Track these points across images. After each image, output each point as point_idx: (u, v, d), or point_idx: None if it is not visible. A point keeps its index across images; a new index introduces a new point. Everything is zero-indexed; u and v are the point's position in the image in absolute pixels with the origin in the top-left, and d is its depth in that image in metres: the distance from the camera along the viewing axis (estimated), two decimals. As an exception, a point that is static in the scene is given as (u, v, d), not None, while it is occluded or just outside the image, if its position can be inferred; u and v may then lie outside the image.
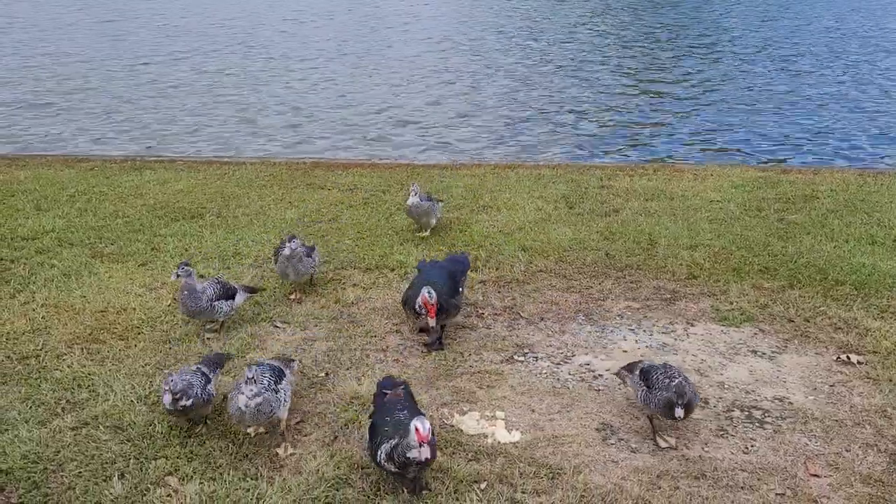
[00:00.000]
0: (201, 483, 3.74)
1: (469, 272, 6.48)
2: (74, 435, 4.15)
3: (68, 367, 4.89)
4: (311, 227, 7.75)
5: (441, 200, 7.81)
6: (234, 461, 3.91)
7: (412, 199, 7.04)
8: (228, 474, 3.82)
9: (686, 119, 14.11)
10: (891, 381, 4.65)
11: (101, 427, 4.20)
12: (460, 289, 5.28)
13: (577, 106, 15.22)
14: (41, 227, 7.83)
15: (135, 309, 5.76)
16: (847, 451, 4.01)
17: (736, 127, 13.45)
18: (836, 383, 4.71)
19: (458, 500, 3.63)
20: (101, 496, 3.67)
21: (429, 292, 4.80)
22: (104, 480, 3.78)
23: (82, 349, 5.15)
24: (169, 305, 5.85)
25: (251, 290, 5.67)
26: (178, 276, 5.16)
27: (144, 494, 3.67)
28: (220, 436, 4.16)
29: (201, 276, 5.80)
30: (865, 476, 3.81)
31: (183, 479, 3.76)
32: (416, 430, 3.38)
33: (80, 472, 3.85)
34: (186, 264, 5.22)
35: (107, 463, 3.91)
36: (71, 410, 4.40)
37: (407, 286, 5.39)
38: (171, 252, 7.01)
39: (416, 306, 4.87)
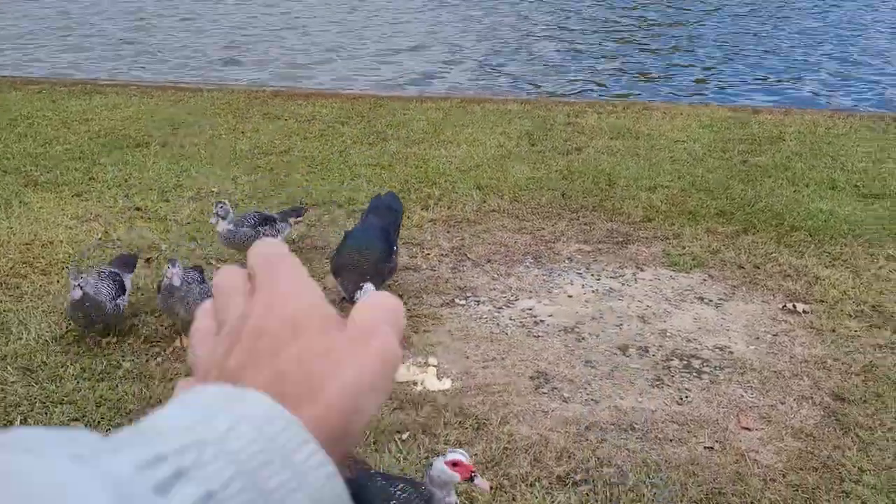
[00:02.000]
0: (107, 431, 3.56)
1: (421, 210, 6.27)
2: (-19, 375, 3.95)
3: (-16, 302, 4.66)
4: (261, 160, 7.44)
5: (302, 209, 5.73)
6: (145, 407, 3.73)
7: (223, 226, 4.85)
8: (139, 420, 3.65)
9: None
10: (834, 331, 4.55)
11: (8, 368, 4.00)
12: (395, 247, 4.82)
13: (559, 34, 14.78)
14: (-25, 152, 7.46)
15: (62, 242, 5.50)
16: (782, 403, 3.92)
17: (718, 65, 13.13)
18: (779, 333, 4.60)
19: (377, 450, 3.49)
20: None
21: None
22: (5, 424, 3.59)
23: (1, 284, 4.90)
24: (99, 239, 5.59)
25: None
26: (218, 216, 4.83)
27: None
28: (135, 379, 3.97)
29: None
30: (797, 430, 3.72)
31: (90, 426, 3.59)
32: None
33: (-17, 414, 3.67)
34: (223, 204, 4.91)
35: (10, 406, 3.72)
36: (-19, 349, 4.18)
37: (335, 249, 4.82)
38: (109, 182, 6.70)
39: (356, 301, 4.42)
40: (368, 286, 4.37)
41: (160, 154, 7.52)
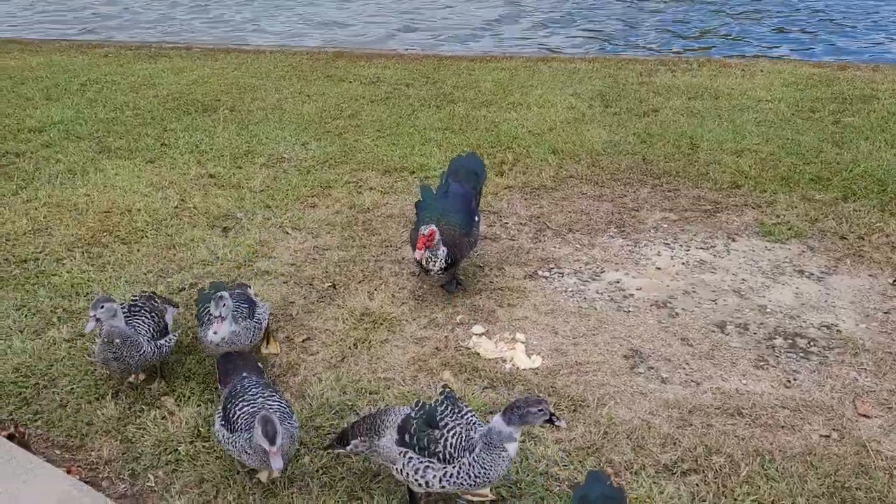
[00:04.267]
0: (198, 405, 3.51)
1: (496, 177, 6.04)
2: (69, 348, 3.94)
3: (67, 272, 4.65)
4: (329, 124, 7.30)
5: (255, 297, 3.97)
6: (233, 382, 3.66)
7: (225, 329, 3.47)
8: (228, 396, 3.59)
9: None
10: (953, 310, 4.22)
11: (95, 339, 3.97)
12: (476, 217, 4.46)
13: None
14: (49, 118, 7.50)
15: (140, 210, 5.47)
16: (901, 388, 3.65)
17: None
18: (890, 310, 4.29)
19: (470, 432, 3.35)
20: (93, 416, 3.47)
21: (428, 231, 4.03)
22: (97, 399, 3.57)
23: (83, 252, 4.89)
24: (176, 207, 5.55)
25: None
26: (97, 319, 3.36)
27: (139, 416, 3.47)
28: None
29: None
30: (920, 418, 3.45)
31: (179, 401, 3.54)
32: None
33: (72, 389, 3.65)
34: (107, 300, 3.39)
35: (100, 380, 3.69)
36: (67, 320, 4.17)
37: (413, 226, 4.47)
38: (181, 148, 6.65)
39: (420, 261, 4.12)
40: (442, 252, 4.15)
41: (229, 119, 7.44)
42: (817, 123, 7.16)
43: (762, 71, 9.20)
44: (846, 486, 3.06)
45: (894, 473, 3.13)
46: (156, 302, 3.69)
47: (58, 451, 3.32)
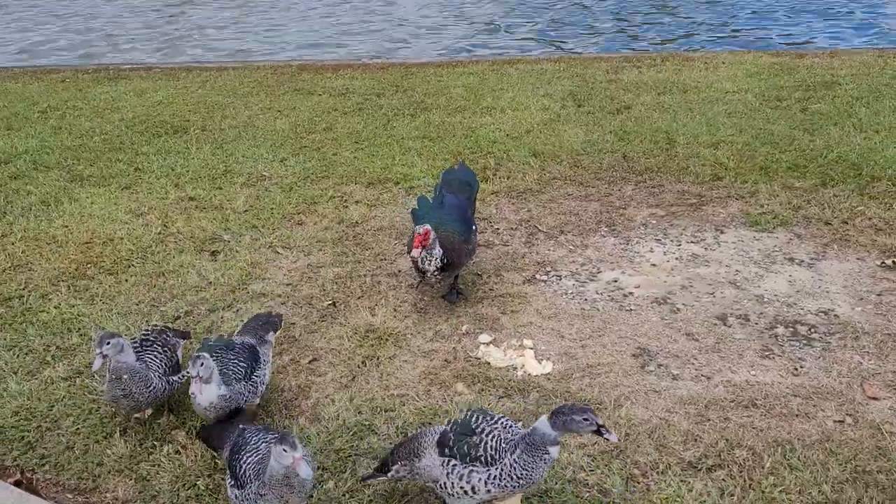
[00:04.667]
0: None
1: (481, 183, 6.02)
2: (68, 386, 3.82)
3: (55, 307, 4.51)
4: (305, 139, 7.22)
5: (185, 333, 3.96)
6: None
7: (212, 392, 3.20)
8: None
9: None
10: (944, 288, 4.33)
11: (95, 377, 3.86)
12: (473, 226, 4.45)
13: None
14: (13, 148, 7.28)
15: (122, 239, 5.34)
16: (905, 369, 3.73)
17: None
18: (883, 292, 4.39)
19: (492, 443, 3.33)
20: (103, 455, 3.37)
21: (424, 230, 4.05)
22: (104, 438, 3.47)
23: (69, 287, 4.76)
24: (159, 233, 5.43)
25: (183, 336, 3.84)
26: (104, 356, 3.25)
27: (151, 452, 3.37)
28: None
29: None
30: (927, 396, 3.53)
31: (191, 434, 3.45)
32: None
33: (77, 430, 3.53)
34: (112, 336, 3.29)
35: (105, 418, 3.59)
36: (62, 358, 4.05)
37: (410, 235, 4.40)
38: (157, 172, 6.51)
39: (417, 261, 4.11)
40: (437, 252, 4.12)
41: (202, 139, 7.32)
42: (786, 112, 7.31)
43: (724, 63, 9.37)
44: (867, 470, 3.11)
45: (912, 454, 3.19)
46: (168, 336, 3.60)
47: (69, 496, 3.21)
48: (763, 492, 3.03)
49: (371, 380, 3.81)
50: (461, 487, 2.74)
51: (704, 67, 9.21)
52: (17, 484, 3.26)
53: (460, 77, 9.30)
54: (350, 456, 3.31)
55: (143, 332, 3.62)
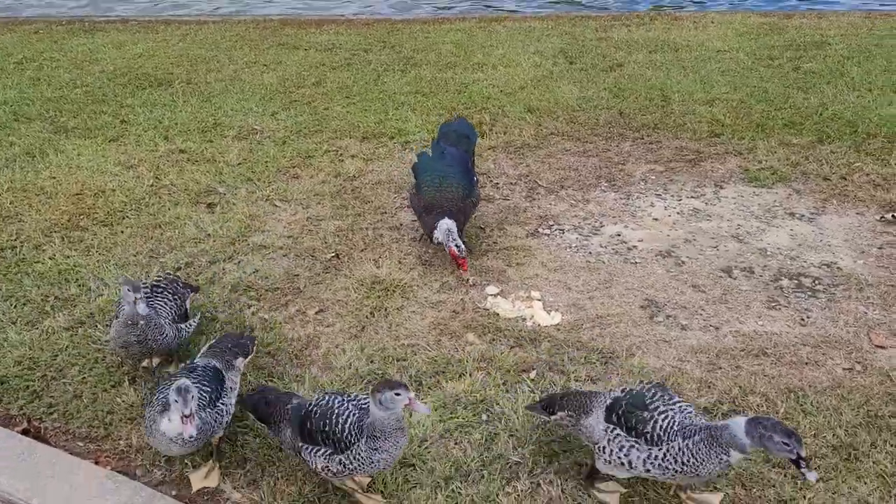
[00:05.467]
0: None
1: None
2: (71, 336, 3.73)
3: (50, 258, 4.39)
4: (294, 93, 7.07)
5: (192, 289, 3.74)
6: (255, 359, 3.54)
7: (175, 426, 2.74)
8: (251, 374, 3.47)
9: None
10: (943, 241, 4.39)
11: (98, 326, 3.78)
12: (475, 178, 4.46)
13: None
14: (-9, 100, 7.04)
15: (114, 190, 5.20)
16: (909, 318, 3.79)
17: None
18: (884, 245, 4.44)
19: (507, 391, 3.34)
20: (113, 404, 3.31)
21: (457, 246, 4.04)
22: (113, 387, 3.40)
23: (62, 238, 4.63)
24: (151, 185, 5.30)
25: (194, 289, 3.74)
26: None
27: (161, 401, 3.31)
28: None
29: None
30: (931, 345, 3.59)
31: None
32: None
33: (84, 379, 3.46)
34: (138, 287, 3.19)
35: (112, 367, 3.51)
36: (62, 308, 3.95)
37: (412, 185, 4.47)
38: (144, 125, 6.34)
39: (435, 241, 4.15)
40: (443, 222, 4.12)
41: (188, 92, 7.13)
42: (779, 70, 7.31)
43: (713, 22, 9.34)
44: (879, 415, 3.17)
45: (921, 399, 3.25)
46: (178, 285, 3.52)
47: (80, 444, 3.15)
48: (778, 436, 3.07)
49: (380, 330, 3.77)
50: (618, 457, 2.64)
51: (694, 27, 9.17)
52: (25, 432, 3.20)
53: (448, 33, 9.16)
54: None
55: (155, 278, 3.54)
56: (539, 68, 7.64)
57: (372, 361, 3.55)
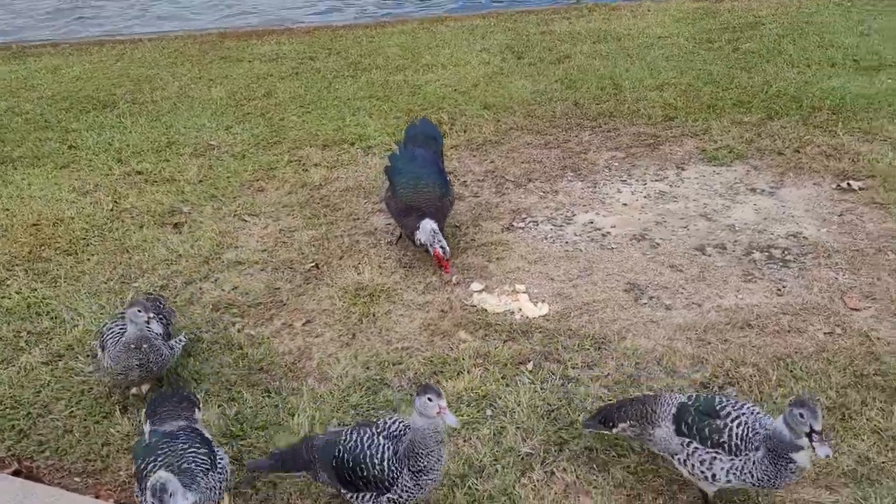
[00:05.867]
0: (220, 406, 3.32)
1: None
2: (51, 370, 3.60)
3: (17, 293, 4.23)
4: (246, 106, 6.97)
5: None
6: (247, 375, 3.49)
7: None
8: (247, 391, 3.41)
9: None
10: (898, 204, 4.59)
11: (80, 357, 3.66)
12: (447, 178, 4.49)
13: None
14: (-75, 134, 6.73)
15: (73, 218, 5.04)
16: (878, 279, 3.95)
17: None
18: (843, 212, 4.62)
19: (507, 385, 3.36)
20: (107, 435, 3.21)
21: (442, 248, 4.06)
22: (104, 418, 3.30)
23: (25, 270, 4.47)
24: (111, 210, 5.15)
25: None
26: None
27: (158, 427, 3.22)
28: (224, 349, 3.70)
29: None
30: (902, 303, 3.75)
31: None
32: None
33: (72, 413, 3.35)
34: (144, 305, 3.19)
35: (100, 398, 3.41)
36: (37, 343, 3.81)
37: (386, 189, 4.49)
38: (94, 148, 6.16)
39: (418, 243, 4.16)
40: (425, 223, 4.15)
41: (135, 112, 6.95)
42: (719, 53, 7.53)
43: (650, 10, 9.55)
44: (865, 373, 3.29)
45: (902, 355, 3.39)
46: (161, 303, 3.44)
47: (77, 479, 3.05)
48: (775, 402, 3.17)
49: (371, 336, 3.75)
50: (702, 472, 2.57)
51: (632, 15, 9.36)
52: (16, 473, 3.08)
53: (391, 37, 9.15)
54: (368, 410, 3.26)
55: (139, 299, 3.44)
56: (488, 65, 7.69)
57: (368, 368, 3.52)
